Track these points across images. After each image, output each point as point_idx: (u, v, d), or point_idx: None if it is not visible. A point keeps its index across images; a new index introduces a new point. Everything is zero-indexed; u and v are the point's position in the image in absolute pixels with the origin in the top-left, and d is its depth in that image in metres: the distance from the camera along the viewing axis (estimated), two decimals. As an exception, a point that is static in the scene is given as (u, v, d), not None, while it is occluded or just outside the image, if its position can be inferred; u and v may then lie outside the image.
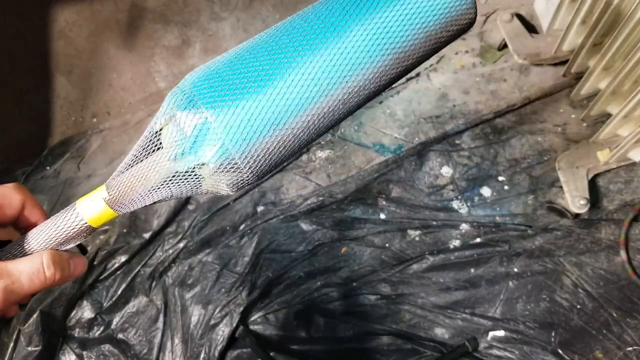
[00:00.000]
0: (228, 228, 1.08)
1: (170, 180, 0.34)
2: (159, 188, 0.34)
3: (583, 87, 0.97)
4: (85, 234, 0.36)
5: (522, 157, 1.04)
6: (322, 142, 1.13)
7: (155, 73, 1.29)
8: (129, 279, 1.06)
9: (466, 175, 1.04)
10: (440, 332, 0.96)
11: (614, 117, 0.88)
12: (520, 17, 1.06)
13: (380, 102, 1.13)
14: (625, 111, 0.85)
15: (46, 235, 0.35)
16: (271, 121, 0.33)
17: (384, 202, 1.05)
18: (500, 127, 1.06)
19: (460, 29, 0.38)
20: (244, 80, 0.33)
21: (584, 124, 1.04)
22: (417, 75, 1.13)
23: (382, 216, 1.04)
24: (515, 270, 0.96)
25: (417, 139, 1.09)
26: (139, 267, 1.07)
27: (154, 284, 1.06)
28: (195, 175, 0.33)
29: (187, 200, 1.11)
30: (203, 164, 0.32)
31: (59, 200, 1.16)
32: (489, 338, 0.94)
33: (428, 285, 0.98)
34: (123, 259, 1.07)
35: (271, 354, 0.96)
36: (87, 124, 1.29)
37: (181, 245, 1.08)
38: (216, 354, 0.97)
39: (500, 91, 1.09)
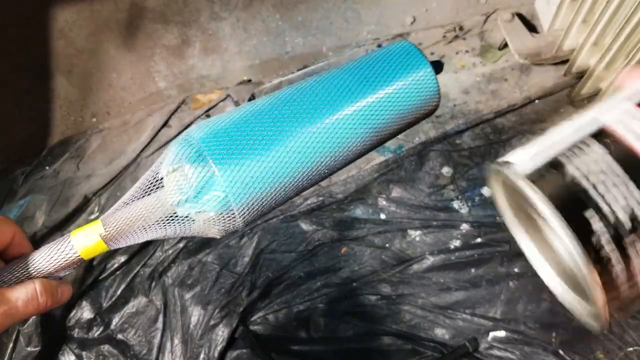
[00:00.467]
0: (228, 228, 1.08)
1: (167, 221, 0.37)
2: (154, 228, 0.37)
3: (584, 87, 0.96)
4: (75, 265, 0.38)
5: (522, 157, 1.03)
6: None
7: (155, 73, 1.29)
8: (128, 279, 1.06)
9: (467, 175, 1.04)
10: (441, 333, 0.96)
11: (615, 116, 0.88)
12: (520, 17, 1.06)
13: (381, 102, 1.13)
14: (626, 111, 0.84)
15: (39, 264, 0.37)
16: (269, 180, 0.38)
17: (384, 202, 1.04)
18: (500, 126, 1.06)
19: (426, 113, 0.46)
20: (250, 142, 0.37)
21: (585, 124, 1.04)
22: (418, 74, 1.13)
23: (382, 216, 1.04)
24: (516, 270, 0.96)
25: (417, 138, 1.08)
26: (138, 268, 1.07)
27: (153, 284, 1.06)
28: (191, 219, 0.37)
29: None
30: (203, 212, 0.36)
31: (58, 200, 1.16)
32: (489, 338, 0.94)
33: (428, 285, 0.98)
34: (122, 259, 1.07)
35: (271, 354, 0.95)
36: (86, 123, 1.29)
37: (181, 245, 1.07)
38: (216, 354, 0.97)
39: (501, 91, 1.09)
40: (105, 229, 0.37)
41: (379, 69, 0.43)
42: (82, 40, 1.32)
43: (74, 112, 1.30)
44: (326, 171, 0.42)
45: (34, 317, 1.01)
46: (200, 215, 0.37)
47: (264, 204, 0.38)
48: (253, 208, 0.38)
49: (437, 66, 0.44)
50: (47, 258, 0.37)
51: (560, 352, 0.90)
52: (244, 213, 0.37)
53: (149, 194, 0.37)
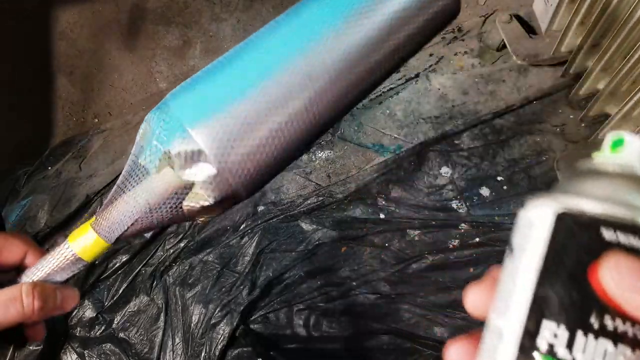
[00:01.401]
0: (229, 228, 1.08)
1: (149, 193, 0.33)
2: (142, 208, 0.33)
3: (582, 88, 0.97)
4: (76, 267, 0.35)
5: (520, 157, 1.04)
6: (322, 143, 1.13)
7: (156, 74, 1.29)
8: (130, 278, 1.07)
9: (465, 175, 1.05)
10: (440, 332, 0.96)
11: (612, 117, 0.88)
12: (519, 18, 1.07)
13: (380, 103, 1.14)
14: (623, 111, 0.85)
15: (35, 268, 0.35)
16: (225, 93, 0.31)
17: (383, 202, 1.05)
18: (499, 127, 1.07)
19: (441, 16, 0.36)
20: (206, 70, 0.33)
21: (583, 125, 1.05)
22: (417, 76, 1.14)
23: (382, 216, 1.05)
24: (514, 269, 0.97)
25: (416, 139, 1.09)
26: (140, 267, 1.08)
27: (155, 283, 1.06)
28: (169, 181, 0.32)
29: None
30: (167, 154, 0.31)
31: (60, 200, 1.17)
32: (488, 337, 0.94)
33: (427, 284, 0.99)
34: (124, 258, 1.08)
35: (271, 352, 0.96)
36: (88, 124, 1.30)
37: (182, 244, 1.08)
38: (217, 353, 0.98)
39: (499, 92, 1.10)
40: (97, 222, 0.35)
41: None
42: (84, 41, 1.33)
43: (75, 112, 1.31)
44: (305, 80, 0.32)
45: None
46: (170, 162, 0.31)
47: (228, 125, 0.31)
48: (215, 131, 0.30)
49: None
50: (43, 261, 0.35)
51: (558, 350, 0.91)
52: (206, 139, 0.30)
53: (133, 177, 0.34)
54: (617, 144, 0.22)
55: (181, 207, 0.33)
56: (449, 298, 0.97)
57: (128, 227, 0.33)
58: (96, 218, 0.35)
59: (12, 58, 1.33)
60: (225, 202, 0.33)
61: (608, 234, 0.18)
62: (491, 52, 1.12)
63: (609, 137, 0.23)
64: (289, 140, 0.33)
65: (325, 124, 0.34)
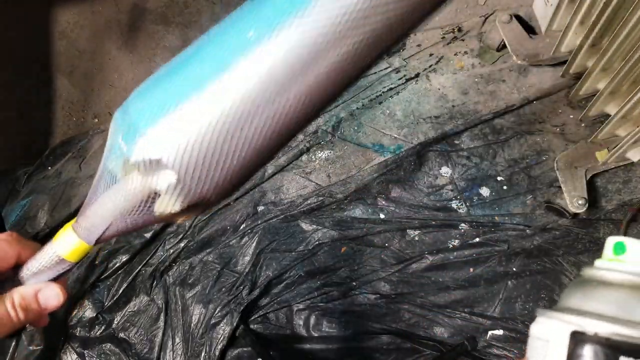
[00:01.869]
0: (229, 228, 1.08)
1: (116, 193, 0.31)
2: (111, 205, 0.32)
3: (582, 88, 0.97)
4: (61, 267, 0.35)
5: (520, 157, 1.04)
6: (322, 143, 1.13)
7: (156, 74, 1.29)
8: (130, 278, 1.07)
9: (465, 175, 1.05)
10: (440, 331, 0.97)
11: (612, 117, 0.88)
12: (519, 18, 1.07)
13: (380, 103, 1.14)
14: (623, 111, 0.85)
15: (26, 268, 0.36)
16: (179, 93, 0.29)
17: (383, 202, 1.05)
18: (499, 127, 1.07)
19: None
20: (164, 70, 0.31)
21: (583, 124, 1.05)
22: (417, 76, 1.14)
23: (382, 216, 1.05)
24: (514, 269, 0.97)
25: (416, 139, 1.09)
26: (140, 267, 1.08)
27: (155, 283, 1.07)
28: (134, 186, 0.30)
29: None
30: (126, 159, 0.30)
31: (60, 200, 1.17)
32: (487, 337, 0.95)
33: (427, 284, 0.99)
34: (124, 258, 1.08)
35: (271, 353, 0.96)
36: (88, 124, 1.30)
37: (182, 244, 1.08)
38: (217, 352, 0.98)
39: (499, 92, 1.10)
40: (77, 223, 0.35)
41: None
42: (84, 41, 1.33)
43: (75, 112, 1.31)
44: (267, 78, 0.28)
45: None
46: (131, 168, 0.30)
47: (183, 127, 0.28)
48: (170, 134, 0.28)
49: None
50: (32, 262, 0.35)
51: (558, 350, 0.91)
52: (166, 147, 0.28)
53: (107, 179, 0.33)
54: (619, 248, 0.23)
55: (153, 212, 0.32)
56: (448, 298, 0.98)
57: (104, 230, 0.33)
58: (77, 219, 0.35)
59: (12, 58, 1.33)
60: (194, 207, 0.32)
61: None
62: (491, 52, 1.12)
63: (610, 242, 0.23)
64: (256, 143, 0.30)
65: (299, 123, 0.31)
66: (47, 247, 0.35)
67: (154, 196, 0.31)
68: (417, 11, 0.28)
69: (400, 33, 0.28)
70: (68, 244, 0.35)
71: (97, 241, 0.34)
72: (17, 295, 0.34)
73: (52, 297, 0.35)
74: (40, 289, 0.35)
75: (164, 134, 0.28)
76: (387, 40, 0.28)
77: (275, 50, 0.27)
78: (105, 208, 0.32)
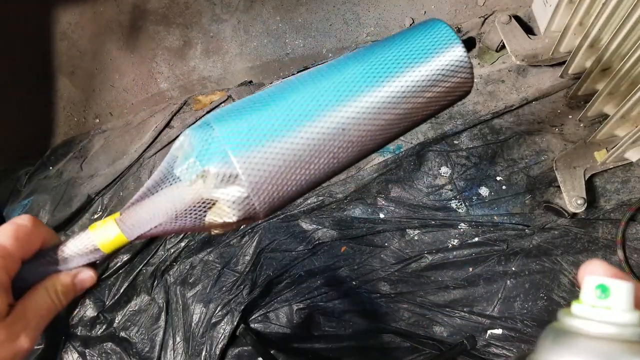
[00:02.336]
0: (229, 227, 1.09)
1: (179, 200, 0.36)
2: (168, 212, 0.36)
3: (580, 88, 0.97)
4: (93, 256, 0.37)
5: (519, 157, 1.05)
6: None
7: (157, 74, 1.30)
8: (131, 277, 1.07)
9: (464, 175, 1.05)
10: (439, 331, 0.97)
11: (611, 117, 0.89)
12: (518, 19, 1.07)
13: (380, 103, 1.14)
14: (622, 112, 0.85)
15: (55, 252, 0.37)
16: (269, 131, 0.36)
17: (383, 202, 1.06)
18: (498, 127, 1.07)
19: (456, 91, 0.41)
20: (252, 103, 0.37)
21: (581, 125, 1.05)
22: (416, 76, 1.14)
23: (382, 216, 1.05)
24: (513, 269, 0.97)
25: (416, 139, 1.10)
26: (141, 266, 1.08)
27: (155, 282, 1.07)
28: (198, 190, 0.35)
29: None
30: (205, 173, 0.35)
31: (61, 199, 1.17)
32: (487, 336, 0.95)
33: (427, 284, 0.99)
34: (125, 257, 1.09)
35: (271, 352, 0.97)
36: (89, 124, 1.30)
37: (183, 244, 1.09)
38: (217, 351, 0.98)
39: (498, 92, 1.10)
40: (121, 218, 0.37)
41: (399, 39, 0.40)
42: (85, 42, 1.33)
43: (76, 113, 1.32)
44: (338, 131, 0.37)
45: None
46: (204, 179, 0.35)
47: (267, 159, 0.35)
48: (255, 162, 0.35)
49: (469, 43, 0.42)
50: (64, 247, 0.37)
51: (557, 349, 0.92)
52: (245, 167, 0.35)
53: (164, 181, 0.37)
54: (602, 291, 0.20)
55: (204, 219, 0.36)
56: (448, 297, 0.98)
57: (151, 228, 0.36)
58: (121, 214, 0.37)
59: (13, 58, 1.34)
60: (244, 221, 0.37)
61: None
62: (490, 53, 1.12)
63: (590, 283, 0.20)
64: (314, 179, 0.38)
65: (345, 167, 0.40)
66: (83, 234, 0.37)
67: (210, 205, 0.36)
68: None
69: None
70: (107, 236, 0.37)
71: (138, 237, 0.37)
72: (58, 283, 0.36)
73: (87, 279, 0.38)
74: (76, 274, 0.38)
75: (249, 160, 0.35)
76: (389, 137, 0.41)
77: (333, 120, 0.37)
78: (160, 208, 0.36)
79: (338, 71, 0.39)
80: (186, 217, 0.36)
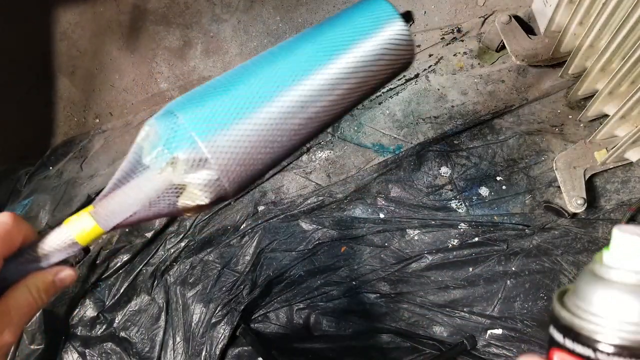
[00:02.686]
0: (229, 227, 1.09)
1: (150, 187, 0.37)
2: (141, 199, 0.37)
3: (580, 88, 0.98)
4: (72, 251, 0.38)
5: (519, 157, 1.05)
6: (322, 143, 1.14)
7: (157, 74, 1.30)
8: (131, 277, 1.07)
9: (464, 175, 1.05)
10: (439, 330, 0.97)
11: (611, 117, 0.89)
12: (518, 19, 1.07)
13: (380, 103, 1.14)
14: (622, 112, 0.85)
15: (34, 250, 0.38)
16: (232, 114, 0.38)
17: (383, 202, 1.06)
18: (498, 127, 1.07)
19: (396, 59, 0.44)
20: (212, 89, 0.39)
21: (581, 125, 1.05)
22: (416, 76, 1.14)
23: (382, 216, 1.05)
24: (513, 269, 0.97)
25: (416, 139, 1.10)
26: (141, 266, 1.08)
27: (155, 282, 1.07)
28: (168, 177, 0.37)
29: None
30: (174, 160, 0.36)
31: (61, 200, 1.17)
32: (487, 336, 0.95)
33: (427, 284, 0.99)
34: (125, 257, 1.09)
35: (272, 352, 0.97)
36: (89, 124, 1.30)
37: (183, 244, 1.09)
38: (217, 352, 0.98)
39: (498, 92, 1.10)
40: (95, 210, 0.38)
41: (343, 17, 0.44)
42: (85, 42, 1.33)
43: (76, 113, 1.32)
44: (296, 108, 0.40)
45: (37, 315, 1.03)
46: (174, 166, 0.37)
47: (233, 141, 0.37)
48: (222, 145, 0.37)
49: (407, 16, 0.45)
50: (42, 244, 0.38)
51: (557, 349, 0.92)
52: (213, 150, 0.37)
53: (133, 171, 0.38)
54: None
55: (177, 204, 0.38)
56: (448, 297, 0.98)
57: (126, 218, 0.38)
58: (95, 206, 0.38)
59: (13, 58, 1.34)
60: (216, 201, 0.39)
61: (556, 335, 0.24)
62: (490, 53, 1.13)
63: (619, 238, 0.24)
64: (278, 155, 0.40)
65: (306, 141, 0.43)
66: (59, 230, 0.38)
67: (182, 190, 0.37)
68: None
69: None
70: (83, 228, 0.38)
71: (114, 227, 0.38)
72: (39, 282, 0.37)
73: (67, 278, 0.39)
74: (56, 272, 0.39)
75: (216, 143, 0.37)
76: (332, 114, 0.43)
77: (291, 98, 0.40)
78: (133, 197, 0.37)
79: (291, 52, 0.41)
80: (159, 203, 0.38)
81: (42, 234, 0.39)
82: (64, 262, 0.39)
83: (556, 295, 0.26)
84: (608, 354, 0.22)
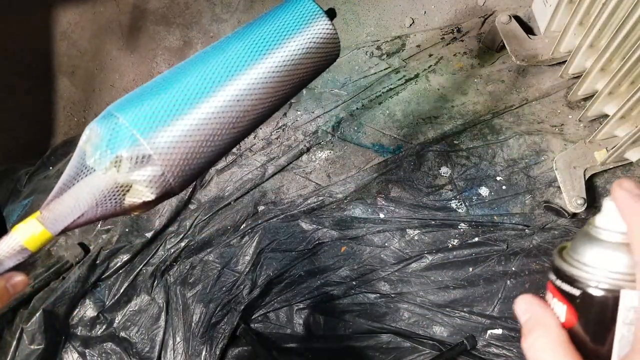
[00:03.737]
0: (229, 227, 1.09)
1: (93, 188, 0.38)
2: (87, 200, 0.38)
3: (580, 88, 0.97)
4: (21, 255, 0.38)
5: (519, 157, 1.05)
6: (322, 143, 1.14)
7: (157, 74, 1.30)
8: (131, 277, 1.07)
9: (464, 175, 1.05)
10: (439, 331, 0.97)
11: (611, 117, 0.89)
12: (518, 19, 1.07)
13: (380, 103, 1.14)
14: (622, 112, 0.85)
15: None
16: (172, 111, 0.39)
17: (383, 202, 1.06)
18: (498, 127, 1.07)
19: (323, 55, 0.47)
20: (149, 89, 0.40)
21: (581, 125, 1.05)
22: (416, 76, 1.14)
23: (382, 216, 1.05)
24: (513, 269, 0.97)
25: (416, 139, 1.10)
26: (141, 266, 1.08)
27: (155, 282, 1.07)
28: (112, 176, 0.37)
29: (189, 199, 1.12)
30: (118, 159, 0.37)
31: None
32: (487, 336, 0.95)
33: (427, 284, 0.99)
34: (125, 257, 1.09)
35: (272, 352, 0.97)
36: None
37: (183, 244, 1.09)
38: (217, 352, 0.98)
39: (498, 92, 1.10)
40: (42, 215, 0.38)
41: (271, 16, 0.47)
42: (85, 42, 1.33)
43: (76, 113, 1.32)
44: (231, 104, 0.42)
45: (37, 315, 1.03)
46: (118, 165, 0.37)
47: (174, 137, 0.38)
48: (163, 140, 0.38)
49: (331, 13, 0.47)
50: None
51: (557, 349, 0.92)
52: (156, 146, 0.37)
53: (78, 175, 0.39)
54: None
55: (124, 202, 0.39)
56: (448, 297, 0.98)
57: (74, 220, 0.38)
58: (41, 212, 0.39)
59: (13, 58, 1.34)
60: (163, 197, 0.40)
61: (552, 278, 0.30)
62: (490, 53, 1.13)
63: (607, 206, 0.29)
64: (220, 148, 0.42)
65: (246, 133, 0.45)
66: (7, 237, 0.38)
67: (128, 188, 0.38)
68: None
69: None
70: (32, 234, 0.38)
71: (63, 231, 0.39)
72: None
73: (19, 283, 0.39)
74: (8, 278, 0.39)
75: (158, 139, 0.37)
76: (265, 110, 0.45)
77: (226, 93, 0.42)
78: (79, 199, 0.38)
79: (223, 50, 0.43)
80: (106, 203, 0.38)
81: None
82: (18, 268, 0.39)
83: (556, 250, 0.30)
84: (593, 296, 0.27)
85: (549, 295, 0.30)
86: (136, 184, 0.38)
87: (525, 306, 0.29)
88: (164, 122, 0.38)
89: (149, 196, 0.39)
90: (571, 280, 0.28)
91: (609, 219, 0.28)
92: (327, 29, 0.46)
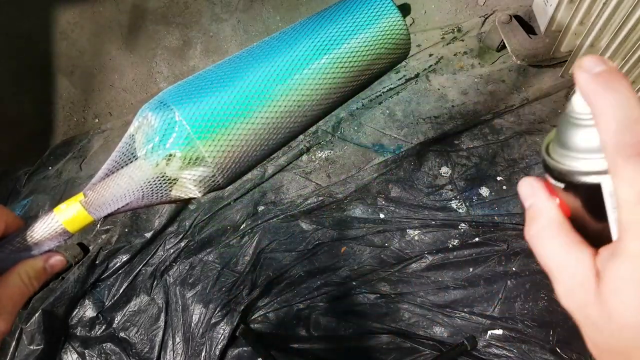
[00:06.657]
0: (229, 227, 1.09)
1: (141, 177, 0.37)
2: (133, 190, 0.37)
3: (581, 88, 0.97)
4: (62, 238, 0.38)
5: (520, 157, 1.04)
6: (322, 143, 1.13)
7: (156, 74, 1.30)
8: (130, 278, 1.07)
9: (465, 175, 1.05)
10: (439, 331, 0.97)
11: (611, 117, 0.89)
12: (518, 19, 1.07)
13: (380, 103, 1.14)
14: (622, 112, 0.85)
15: (22, 237, 0.37)
16: (230, 112, 0.37)
17: (383, 202, 1.05)
18: (498, 127, 1.07)
19: (395, 55, 0.44)
20: (209, 83, 0.38)
21: (582, 125, 1.05)
22: (416, 76, 1.14)
23: (382, 216, 1.05)
24: (514, 269, 0.97)
25: (416, 139, 1.10)
26: (140, 266, 1.08)
27: (155, 283, 1.07)
28: (162, 170, 0.37)
29: (188, 200, 1.12)
30: (171, 156, 0.36)
31: (61, 199, 1.17)
32: (487, 337, 0.95)
33: (427, 284, 0.99)
34: (125, 258, 1.08)
35: (271, 352, 0.96)
36: (89, 124, 1.30)
37: (182, 244, 1.09)
38: (217, 352, 0.98)
39: (499, 92, 1.10)
40: (85, 197, 0.38)
41: (342, 11, 0.43)
42: (84, 42, 1.33)
43: (76, 112, 1.31)
44: (295, 107, 0.40)
45: (36, 315, 1.02)
46: (169, 162, 0.36)
47: (231, 140, 0.37)
48: (220, 144, 0.37)
49: (405, 10, 0.45)
50: (30, 232, 0.37)
51: (558, 350, 0.91)
52: (211, 150, 0.37)
53: (125, 162, 0.38)
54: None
55: (169, 195, 0.39)
56: (448, 297, 0.98)
57: (119, 208, 0.38)
58: (85, 195, 0.38)
59: (12, 58, 1.34)
60: (208, 193, 0.40)
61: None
62: (491, 53, 1.12)
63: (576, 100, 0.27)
64: (271, 151, 0.41)
65: (296, 136, 0.43)
66: (49, 218, 0.37)
67: (176, 182, 0.38)
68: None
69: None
70: (75, 217, 0.37)
71: (106, 217, 0.38)
72: (30, 268, 0.37)
73: (58, 263, 0.39)
74: (46, 258, 0.38)
75: (215, 143, 0.37)
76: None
77: (290, 98, 0.40)
78: (126, 189, 0.37)
79: (290, 47, 0.40)
80: (152, 195, 0.38)
81: (30, 221, 0.38)
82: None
83: (544, 143, 0.29)
84: (577, 185, 0.26)
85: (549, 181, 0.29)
86: (185, 181, 0.37)
87: (529, 190, 0.29)
88: (222, 125, 0.37)
89: (196, 194, 0.38)
90: (556, 175, 0.27)
91: (578, 103, 0.27)
92: (399, 26, 0.43)
